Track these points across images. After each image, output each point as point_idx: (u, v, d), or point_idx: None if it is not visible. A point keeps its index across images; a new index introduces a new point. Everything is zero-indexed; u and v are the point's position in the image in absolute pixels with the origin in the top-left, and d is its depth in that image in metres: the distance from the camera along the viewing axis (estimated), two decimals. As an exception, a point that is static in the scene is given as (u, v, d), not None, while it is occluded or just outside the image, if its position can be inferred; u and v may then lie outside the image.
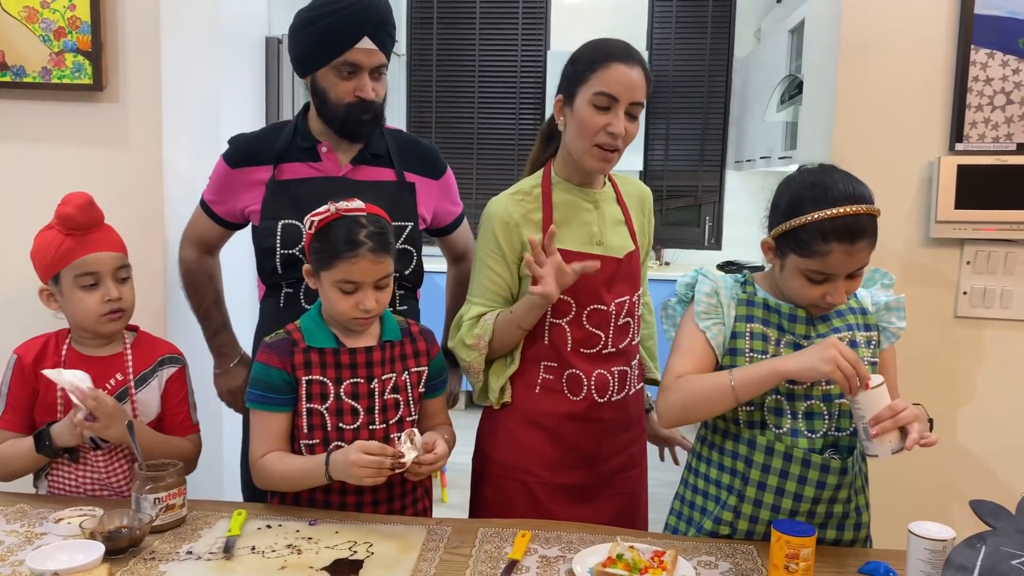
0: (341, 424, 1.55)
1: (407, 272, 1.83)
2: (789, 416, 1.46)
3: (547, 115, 1.75)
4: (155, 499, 1.44)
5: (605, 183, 1.77)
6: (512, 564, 1.36)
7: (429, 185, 1.89)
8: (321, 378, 1.54)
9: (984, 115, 1.96)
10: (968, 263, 2.01)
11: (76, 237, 1.60)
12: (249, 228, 1.89)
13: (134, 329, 1.72)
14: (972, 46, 1.94)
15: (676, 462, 1.90)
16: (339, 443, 1.53)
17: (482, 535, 1.49)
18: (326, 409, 1.54)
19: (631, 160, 5.12)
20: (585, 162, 1.64)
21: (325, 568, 1.34)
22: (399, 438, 1.47)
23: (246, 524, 1.50)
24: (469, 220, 2.05)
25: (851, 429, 1.46)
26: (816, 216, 1.38)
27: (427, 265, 1.89)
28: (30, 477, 1.66)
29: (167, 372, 1.70)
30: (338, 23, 1.68)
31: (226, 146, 1.88)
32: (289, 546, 1.41)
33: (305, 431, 1.55)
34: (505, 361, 1.70)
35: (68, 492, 1.63)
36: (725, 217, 5.42)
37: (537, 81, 5.43)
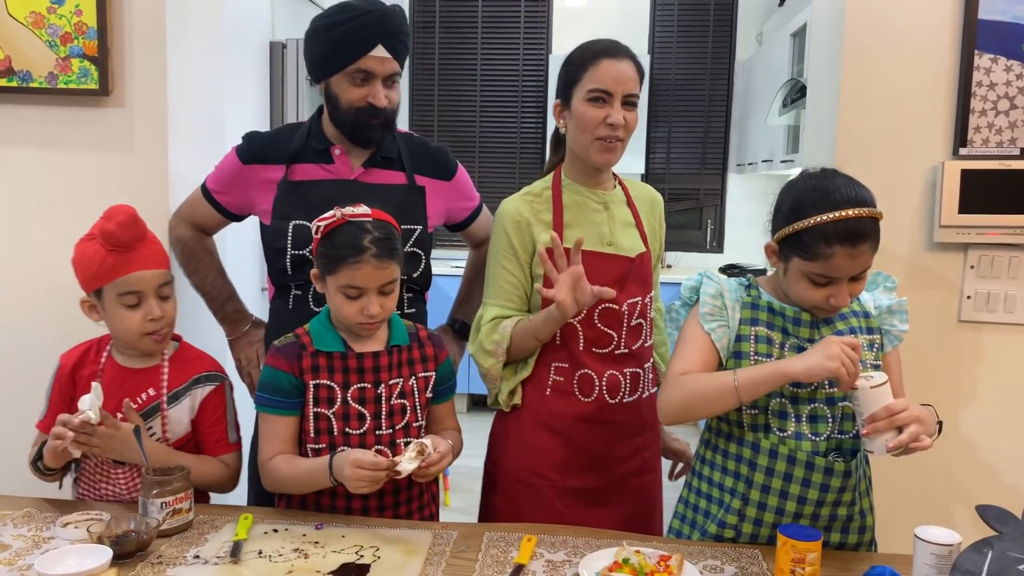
0: (348, 429, 1.55)
1: (415, 275, 1.84)
2: (793, 419, 1.47)
3: (549, 119, 1.76)
4: (162, 503, 1.45)
5: (615, 185, 1.77)
6: (518, 568, 1.37)
7: (441, 187, 1.90)
8: (328, 382, 1.55)
9: (988, 120, 1.96)
10: (972, 267, 2.02)
11: (119, 254, 1.57)
12: (248, 228, 1.89)
13: (176, 339, 1.71)
14: (976, 51, 1.94)
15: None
16: (345, 448, 1.52)
17: (488, 539, 1.49)
18: (333, 413, 1.55)
19: (633, 163, 5.10)
20: (590, 156, 1.65)
21: (332, 572, 1.34)
22: (406, 445, 1.47)
23: (253, 528, 1.50)
24: None
25: (854, 432, 1.46)
26: (819, 219, 1.38)
27: (435, 268, 1.89)
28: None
29: (201, 392, 1.67)
30: (353, 31, 1.69)
31: (237, 143, 1.88)
32: (296, 550, 1.42)
33: (312, 435, 1.55)
34: (517, 366, 1.70)
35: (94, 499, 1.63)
36: (727, 220, 5.42)
37: (539, 85, 5.43)
